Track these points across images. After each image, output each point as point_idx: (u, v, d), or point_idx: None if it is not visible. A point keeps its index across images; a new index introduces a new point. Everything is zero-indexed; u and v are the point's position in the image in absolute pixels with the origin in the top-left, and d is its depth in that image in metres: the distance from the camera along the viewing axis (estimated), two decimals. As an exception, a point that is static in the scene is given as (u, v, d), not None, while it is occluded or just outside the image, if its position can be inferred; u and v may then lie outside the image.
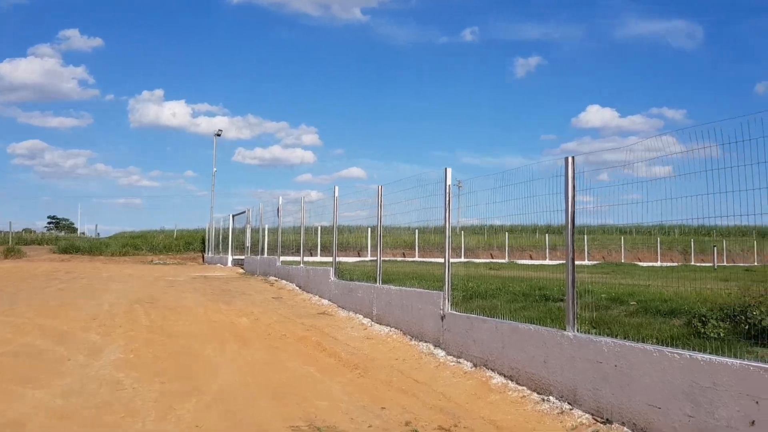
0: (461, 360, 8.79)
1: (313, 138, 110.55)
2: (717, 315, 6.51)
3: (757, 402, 4.69)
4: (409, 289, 11.08)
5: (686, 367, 5.29)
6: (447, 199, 9.50)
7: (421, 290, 10.59)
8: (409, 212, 11.71)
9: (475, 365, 8.46)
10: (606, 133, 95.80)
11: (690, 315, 7.12)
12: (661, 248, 50.55)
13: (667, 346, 5.96)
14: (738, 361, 4.88)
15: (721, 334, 6.02)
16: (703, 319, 6.61)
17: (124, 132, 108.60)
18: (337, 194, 15.49)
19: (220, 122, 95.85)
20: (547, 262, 40.46)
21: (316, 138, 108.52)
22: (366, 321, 12.55)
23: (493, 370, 8.06)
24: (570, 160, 6.92)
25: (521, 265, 29.27)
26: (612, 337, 6.46)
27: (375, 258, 13.28)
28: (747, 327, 6.01)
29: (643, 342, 6.06)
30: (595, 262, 40.72)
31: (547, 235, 45.04)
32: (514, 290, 10.52)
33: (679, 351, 5.41)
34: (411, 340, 10.46)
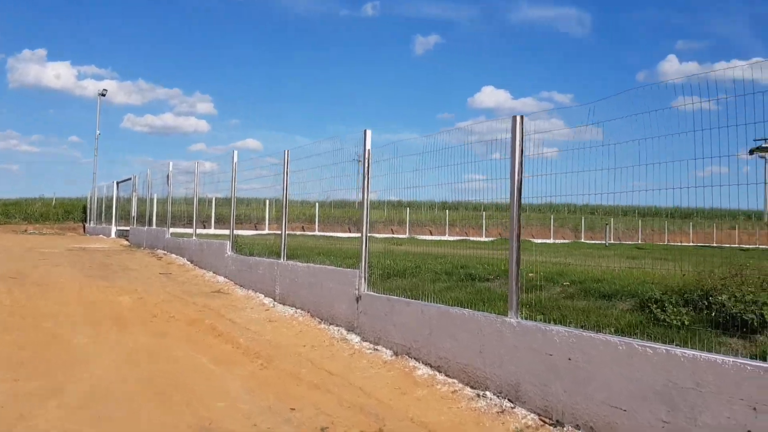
0: (379, 347, 7.76)
1: (207, 107, 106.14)
2: (674, 299, 5.80)
3: (754, 408, 3.91)
4: (318, 266, 9.91)
5: (661, 364, 4.47)
6: (366, 165, 8.38)
7: (333, 268, 9.45)
8: (317, 181, 10.52)
9: (395, 353, 7.46)
10: (500, 113, 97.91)
11: (639, 298, 6.41)
12: (553, 225, 51.96)
13: (629, 336, 5.16)
14: (731, 359, 4.09)
15: (685, 322, 5.30)
16: (659, 303, 5.89)
17: (1, 93, 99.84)
18: (236, 159, 14.00)
19: (108, 86, 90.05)
20: (446, 237, 40.41)
21: (211, 107, 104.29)
22: (268, 301, 11.28)
23: (417, 359, 7.09)
24: (518, 120, 5.96)
25: (424, 240, 28.71)
26: (562, 324, 5.61)
27: (274, 231, 12.00)
28: (713, 314, 5.32)
29: (601, 331, 5.24)
30: (493, 238, 41.19)
31: (447, 211, 45.11)
32: (435, 268, 9.59)
33: (652, 344, 4.59)
34: (320, 323, 9.33)
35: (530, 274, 8.86)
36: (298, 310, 10.12)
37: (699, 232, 57.83)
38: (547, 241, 43.53)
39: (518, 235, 5.91)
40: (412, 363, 7.08)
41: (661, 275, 7.86)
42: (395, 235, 38.21)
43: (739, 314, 5.06)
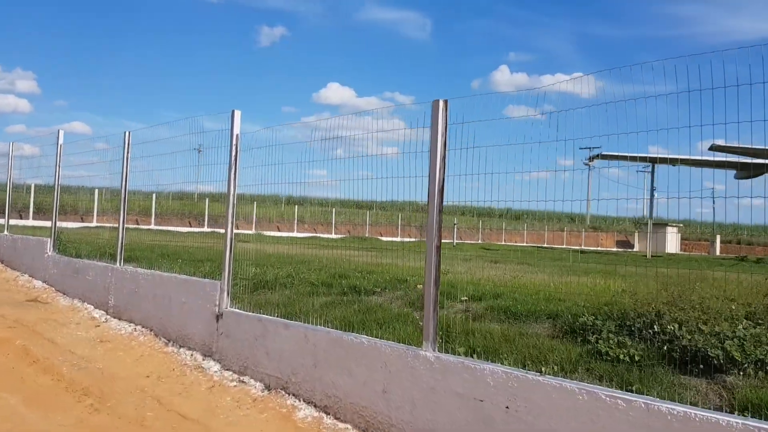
0: (246, 378, 6.29)
1: (29, 84, 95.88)
2: (611, 326, 4.93)
3: (777, 487, 3.02)
4: (167, 274, 8.14)
5: (639, 423, 3.50)
6: (234, 153, 6.84)
7: (186, 278, 7.76)
8: (165, 170, 8.77)
9: (268, 387, 6.03)
10: (345, 110, 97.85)
11: (561, 321, 5.50)
12: (401, 224, 52.37)
13: (569, 375, 4.18)
14: (740, 421, 3.18)
15: (636, 357, 4.42)
16: (592, 329, 4.99)
17: None
18: (61, 141, 11.68)
19: None
20: (295, 234, 38.96)
21: (34, 85, 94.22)
22: (99, 314, 9.28)
23: (297, 396, 5.73)
24: (442, 105, 4.80)
25: (274, 237, 27.04)
26: (494, 360, 4.53)
27: (103, 224, 9.97)
28: (665, 346, 4.48)
29: (541, 371, 4.21)
30: (342, 236, 40.45)
31: (296, 207, 43.66)
32: (310, 278, 8.23)
33: (626, 395, 3.61)
34: (168, 345, 7.62)
35: (419, 286, 7.80)
36: (139, 328, 8.31)
37: (531, 232, 61.02)
38: (395, 239, 43.48)
39: (438, 247, 4.75)
40: (291, 401, 5.70)
41: (565, 290, 7.14)
42: (241, 231, 36.05)
43: (701, 350, 4.24)
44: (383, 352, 4.99)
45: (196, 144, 8.00)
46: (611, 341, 4.71)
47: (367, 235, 46.29)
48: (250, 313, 6.54)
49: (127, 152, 9.15)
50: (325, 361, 5.50)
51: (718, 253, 58.90)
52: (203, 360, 6.93)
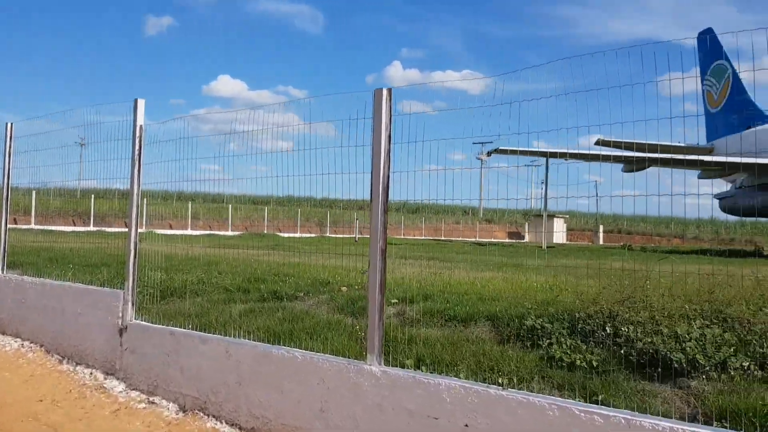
0: (157, 399, 5.61)
1: None
2: (562, 329, 4.68)
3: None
4: (60, 283, 7.22)
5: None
6: (138, 147, 6.09)
7: (84, 287, 6.90)
8: (54, 165, 7.85)
9: (183, 409, 5.40)
10: (237, 103, 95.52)
11: (504, 322, 5.22)
12: (300, 219, 51.64)
13: (525, 385, 3.89)
14: (732, 436, 2.96)
15: (594, 363, 4.19)
16: (542, 332, 4.73)
17: None
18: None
19: None
20: (190, 231, 37.29)
21: None
22: (-24, 329, 8.17)
23: (218, 418, 5.14)
24: (385, 94, 4.36)
25: (167, 236, 25.60)
26: (446, 372, 4.16)
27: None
28: (622, 350, 4.27)
29: (500, 384, 3.89)
30: (239, 233, 39.18)
31: (188, 202, 41.85)
32: (224, 283, 7.55)
33: (602, 410, 3.32)
34: (63, 362, 6.75)
35: (343, 288, 7.35)
36: (27, 343, 7.34)
37: (428, 226, 61.87)
38: (294, 235, 42.67)
39: (383, 250, 4.32)
40: (212, 423, 5.10)
41: (494, 288, 6.88)
42: (124, 230, 34.06)
43: (662, 353, 4.05)
44: (320, 367, 4.51)
45: (81, 136, 7.26)
46: (564, 345, 4.46)
47: (265, 232, 45.20)
48: (159, 326, 5.84)
49: (9, 145, 8.08)
50: (251, 378, 4.94)
51: (601, 242, 62.10)
52: (105, 379, 6.15)
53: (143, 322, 6.02)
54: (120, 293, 6.18)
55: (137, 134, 6.09)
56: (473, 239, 54.33)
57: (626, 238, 65.77)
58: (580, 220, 76.28)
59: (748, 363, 3.95)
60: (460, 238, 54.90)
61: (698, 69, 40.53)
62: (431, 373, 4.16)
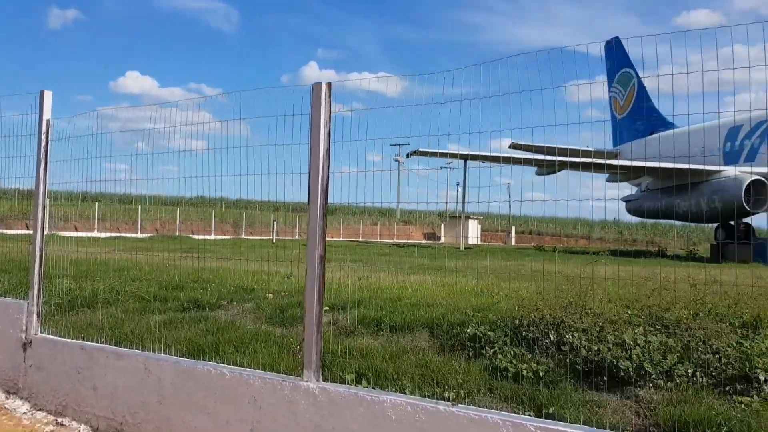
0: (66, 420, 5.09)
1: None
2: (505, 337, 4.52)
3: None
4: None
5: (579, 456, 3.07)
6: (44, 143, 5.52)
7: (-22, 296, 6.21)
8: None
9: (96, 430, 4.90)
10: (146, 100, 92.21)
11: (442, 329, 5.01)
12: (214, 220, 50.30)
13: (472, 400, 3.70)
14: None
15: (540, 373, 4.04)
16: (484, 340, 4.56)
17: None
18: None
19: None
20: (96, 234, 35.48)
21: None
22: None
23: (136, 440, 4.68)
24: (324, 89, 4.06)
25: (73, 238, 24.19)
26: (389, 387, 3.90)
27: None
28: (567, 358, 4.14)
29: (447, 398, 3.68)
30: (149, 235, 37.64)
31: (95, 203, 39.84)
32: (138, 291, 6.99)
33: (559, 426, 3.16)
34: (-47, 382, 6.05)
35: (269, 295, 6.97)
36: None
37: (347, 228, 61.62)
38: (209, 237, 41.38)
39: (322, 257, 4.02)
40: (129, 446, 4.65)
41: (425, 293, 6.68)
42: (27, 232, 32.06)
43: (609, 361, 3.95)
44: (251, 384, 4.16)
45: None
46: (509, 355, 4.30)
47: (177, 234, 43.67)
48: (69, 340, 5.30)
49: None
50: (173, 397, 4.53)
51: (513, 243, 63.75)
52: (7, 399, 5.54)
53: (50, 336, 5.46)
54: (24, 304, 5.58)
55: (44, 129, 5.52)
56: (391, 240, 54.54)
57: (537, 238, 67.90)
58: (494, 221, 78.08)
59: (693, 370, 3.90)
60: (378, 240, 54.97)
61: (606, 76, 42.32)
62: (374, 388, 3.90)
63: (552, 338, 4.36)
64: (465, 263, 15.28)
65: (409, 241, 59.59)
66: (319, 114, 4.01)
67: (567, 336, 4.29)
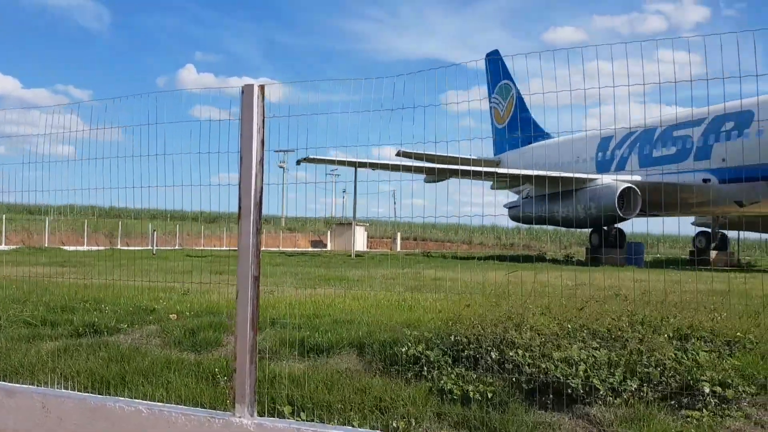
0: (-61, 473, 4.34)
1: None
2: (445, 356, 4.31)
3: None
4: None
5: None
6: None
7: None
8: None
9: (-22, 483, 4.21)
10: (9, 103, 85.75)
11: (374, 349, 4.75)
12: (87, 230, 47.34)
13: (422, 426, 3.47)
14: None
15: (488, 395, 3.85)
16: (424, 361, 4.33)
17: None
18: None
19: None
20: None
21: None
22: None
23: (30, 491, 4.05)
24: (257, 91, 3.68)
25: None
26: (329, 418, 3.57)
27: None
28: (513, 377, 3.99)
29: (394, 429, 3.42)
30: (15, 246, 34.71)
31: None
32: (21, 315, 6.18)
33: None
34: None
35: (172, 316, 6.41)
36: None
37: (230, 235, 59.87)
38: (81, 248, 38.73)
39: (256, 278, 3.63)
40: (22, 500, 4.02)
41: (342, 308, 6.38)
42: None
43: (558, 379, 3.84)
44: (174, 422, 3.69)
45: None
46: (453, 376, 4.10)
47: (46, 245, 40.65)
48: (-59, 378, 4.55)
49: None
50: (77, 439, 3.96)
51: (399, 249, 64.57)
52: None
53: None
54: None
55: None
56: (277, 248, 53.60)
57: (421, 244, 69.19)
58: (379, 228, 78.80)
59: (638, 384, 3.87)
60: (264, 248, 53.79)
61: (486, 87, 43.85)
62: (317, 422, 3.57)
63: (494, 356, 4.20)
64: (363, 272, 15.14)
65: (296, 249, 58.89)
66: (251, 119, 3.64)
67: (510, 353, 4.15)
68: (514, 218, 31.82)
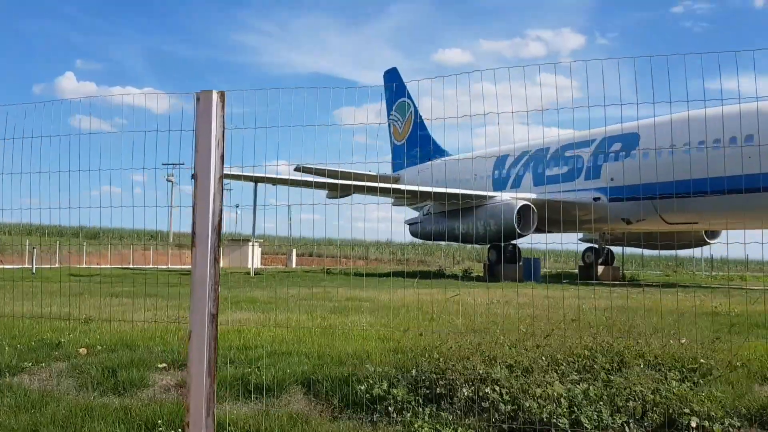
0: None
1: None
2: (401, 391, 3.94)
3: None
4: None
5: None
6: None
7: None
8: None
9: None
10: None
11: (323, 387, 4.30)
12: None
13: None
14: None
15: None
16: (392, 402, 3.95)
17: None
18: None
19: None
20: None
21: None
22: None
23: None
24: (216, 99, 3.19)
25: None
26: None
27: None
28: (493, 417, 3.69)
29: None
30: None
31: None
32: None
33: None
34: None
35: (81, 350, 5.66)
36: None
37: (116, 253, 56.68)
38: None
39: (214, 315, 3.13)
40: None
41: (272, 339, 5.86)
42: None
43: (542, 419, 3.57)
44: (110, 487, 3.10)
45: None
46: (426, 417, 3.74)
47: None
48: None
49: None
50: None
51: (294, 265, 63.57)
52: None
53: None
54: None
55: None
56: (165, 266, 51.28)
57: (317, 260, 68.56)
58: (273, 244, 77.27)
59: (623, 420, 3.67)
60: (152, 266, 51.21)
61: (385, 104, 44.14)
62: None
63: (467, 393, 3.88)
64: (270, 292, 14.48)
65: (187, 266, 56.44)
66: (210, 131, 3.14)
67: (485, 389, 3.84)
68: (414, 234, 31.98)
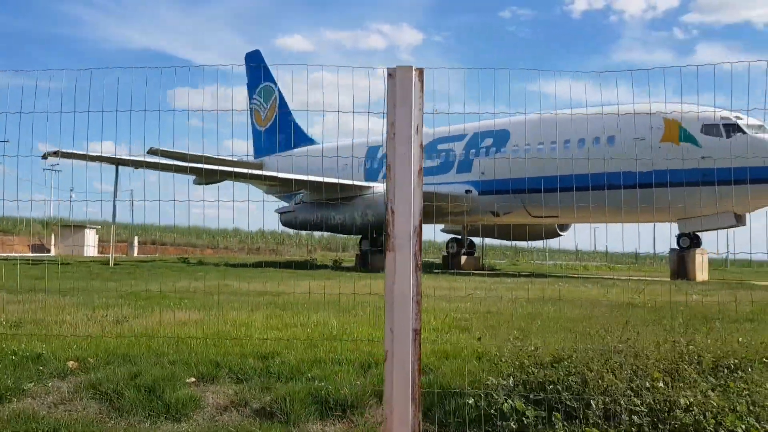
0: None
1: None
2: (521, 405, 3.62)
3: None
4: None
5: None
6: None
7: None
8: None
9: None
10: None
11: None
12: None
13: None
14: None
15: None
16: (509, 415, 3.61)
17: None
18: None
19: None
20: None
21: None
22: None
23: None
24: (415, 75, 2.67)
25: None
26: None
27: None
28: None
29: None
30: None
31: None
32: None
33: None
34: None
35: (70, 363, 4.71)
36: None
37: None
38: None
39: (417, 331, 2.63)
40: None
41: (226, 352, 5.20)
42: None
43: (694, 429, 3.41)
44: None
45: None
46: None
47: None
48: None
49: None
50: None
51: (136, 253, 59.82)
52: None
53: None
54: None
55: None
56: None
57: (161, 249, 65.12)
58: (111, 231, 72.16)
59: None
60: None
61: (246, 88, 42.59)
62: None
63: (599, 404, 3.62)
64: (166, 286, 13.17)
65: (15, 254, 51.15)
66: (410, 116, 2.63)
67: (622, 401, 3.59)
68: (287, 224, 31.15)
